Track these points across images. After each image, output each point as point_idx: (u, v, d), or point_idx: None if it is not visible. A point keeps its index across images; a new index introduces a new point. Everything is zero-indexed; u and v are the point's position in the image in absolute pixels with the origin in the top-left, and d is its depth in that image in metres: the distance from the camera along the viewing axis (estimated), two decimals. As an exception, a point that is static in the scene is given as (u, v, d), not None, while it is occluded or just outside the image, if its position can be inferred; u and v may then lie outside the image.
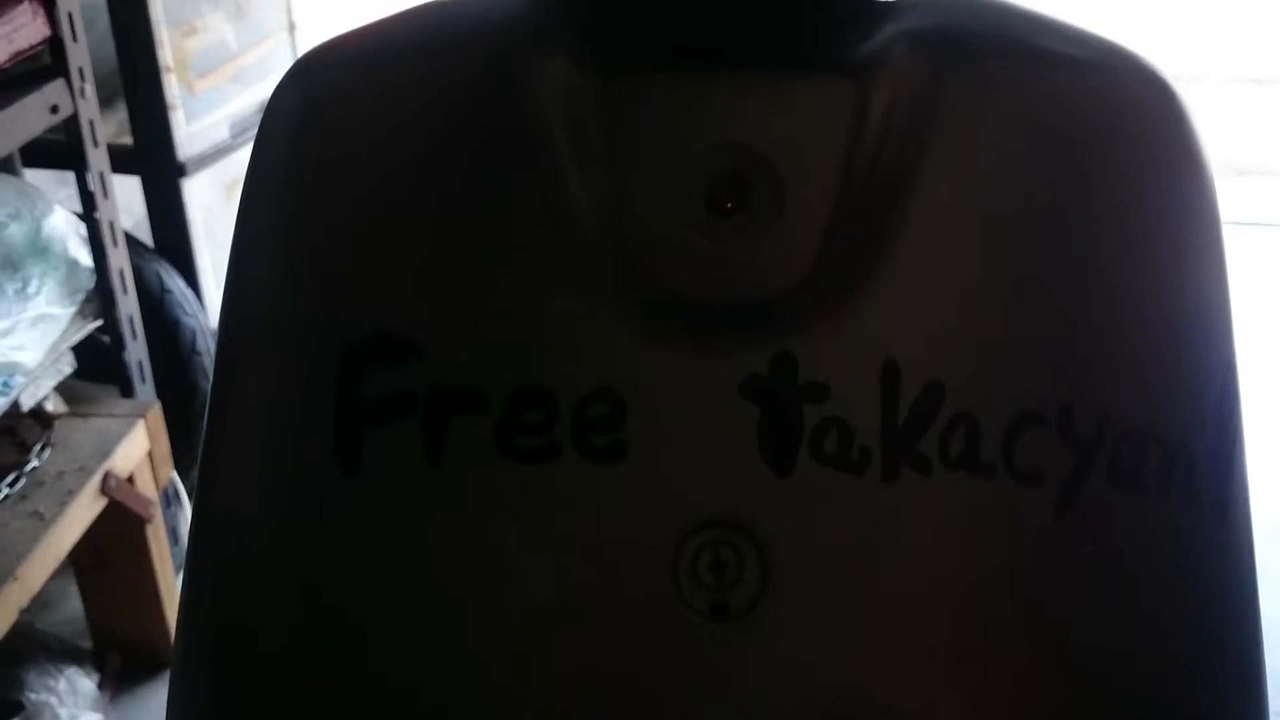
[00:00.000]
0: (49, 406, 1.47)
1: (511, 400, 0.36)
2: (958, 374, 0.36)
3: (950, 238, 0.36)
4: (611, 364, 0.36)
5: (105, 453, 1.43)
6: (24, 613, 1.31)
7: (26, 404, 1.41)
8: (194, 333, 1.75)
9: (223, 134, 1.83)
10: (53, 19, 1.37)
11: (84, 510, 1.39)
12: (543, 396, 0.36)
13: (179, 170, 1.76)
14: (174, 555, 1.60)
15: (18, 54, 1.33)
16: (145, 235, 1.81)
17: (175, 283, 1.75)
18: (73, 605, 1.65)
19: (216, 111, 1.82)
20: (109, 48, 1.71)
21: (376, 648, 0.36)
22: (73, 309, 1.45)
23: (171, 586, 1.58)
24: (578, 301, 0.36)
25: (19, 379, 1.37)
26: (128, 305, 1.52)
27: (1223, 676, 0.38)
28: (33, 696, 1.49)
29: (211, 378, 0.41)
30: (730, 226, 0.36)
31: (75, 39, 1.40)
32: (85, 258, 1.47)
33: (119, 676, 1.60)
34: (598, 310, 0.36)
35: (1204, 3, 3.74)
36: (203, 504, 0.40)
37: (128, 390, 1.55)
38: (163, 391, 1.60)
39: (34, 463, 1.40)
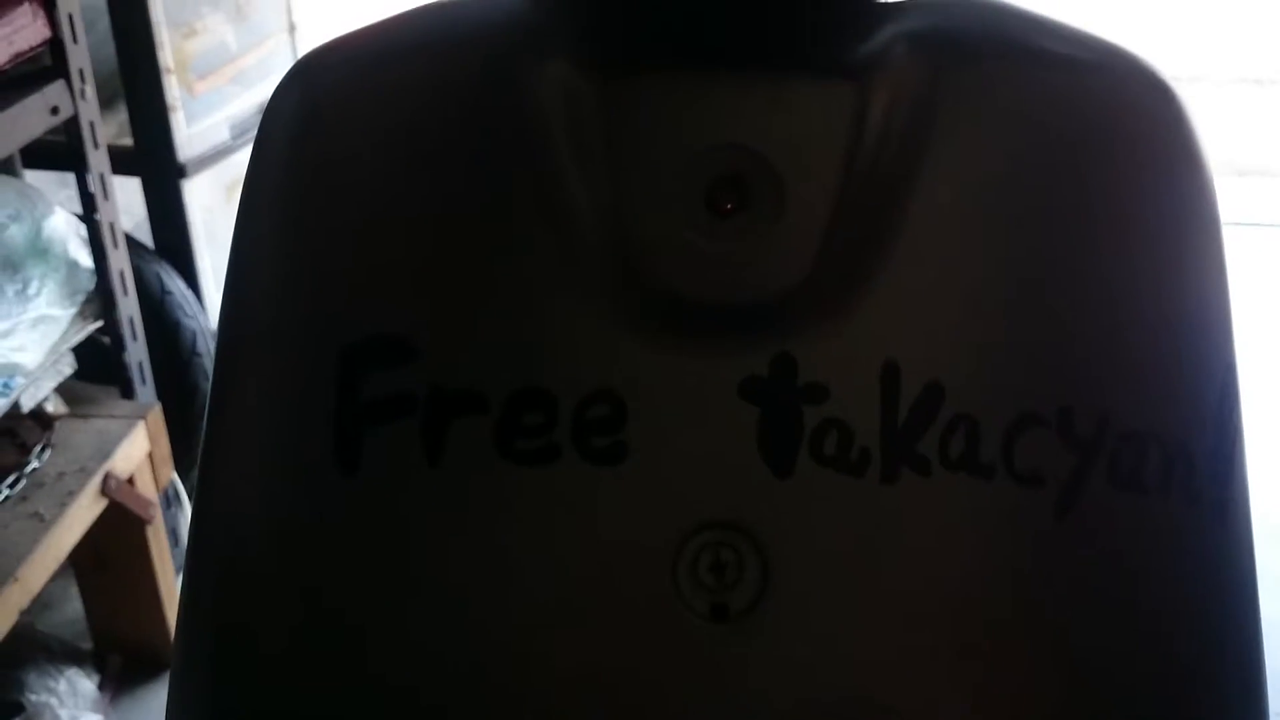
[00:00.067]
0: (49, 408, 1.47)
1: (511, 401, 0.36)
2: (957, 375, 0.36)
3: (950, 238, 0.36)
4: (611, 365, 0.36)
5: (105, 454, 1.43)
6: (24, 614, 1.31)
7: (27, 405, 1.41)
8: (194, 334, 1.75)
9: (223, 135, 1.83)
10: (53, 20, 1.37)
11: (84, 511, 1.39)
12: (543, 398, 0.36)
13: (179, 171, 1.76)
14: (174, 556, 1.60)
15: (18, 55, 1.33)
16: (145, 236, 1.81)
17: (175, 284, 1.76)
18: (73, 606, 1.65)
19: (217, 113, 1.82)
20: (109, 49, 1.71)
21: (376, 648, 0.36)
22: (73, 310, 1.45)
23: (172, 587, 1.58)
24: (578, 302, 0.36)
25: (19, 380, 1.37)
26: (128, 306, 1.52)
27: (1223, 677, 0.38)
28: (33, 698, 1.49)
29: (211, 379, 0.41)
30: (730, 227, 0.36)
31: (75, 40, 1.40)
32: (85, 259, 1.47)
33: (119, 678, 1.60)
34: (598, 311, 0.36)
35: (1204, 3, 3.74)
36: (202, 505, 0.40)
37: (128, 391, 1.55)
38: (163, 393, 1.60)
39: (34, 464, 1.40)
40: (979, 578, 0.36)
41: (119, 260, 1.50)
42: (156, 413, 1.53)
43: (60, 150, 1.46)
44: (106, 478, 1.41)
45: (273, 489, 0.38)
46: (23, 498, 1.37)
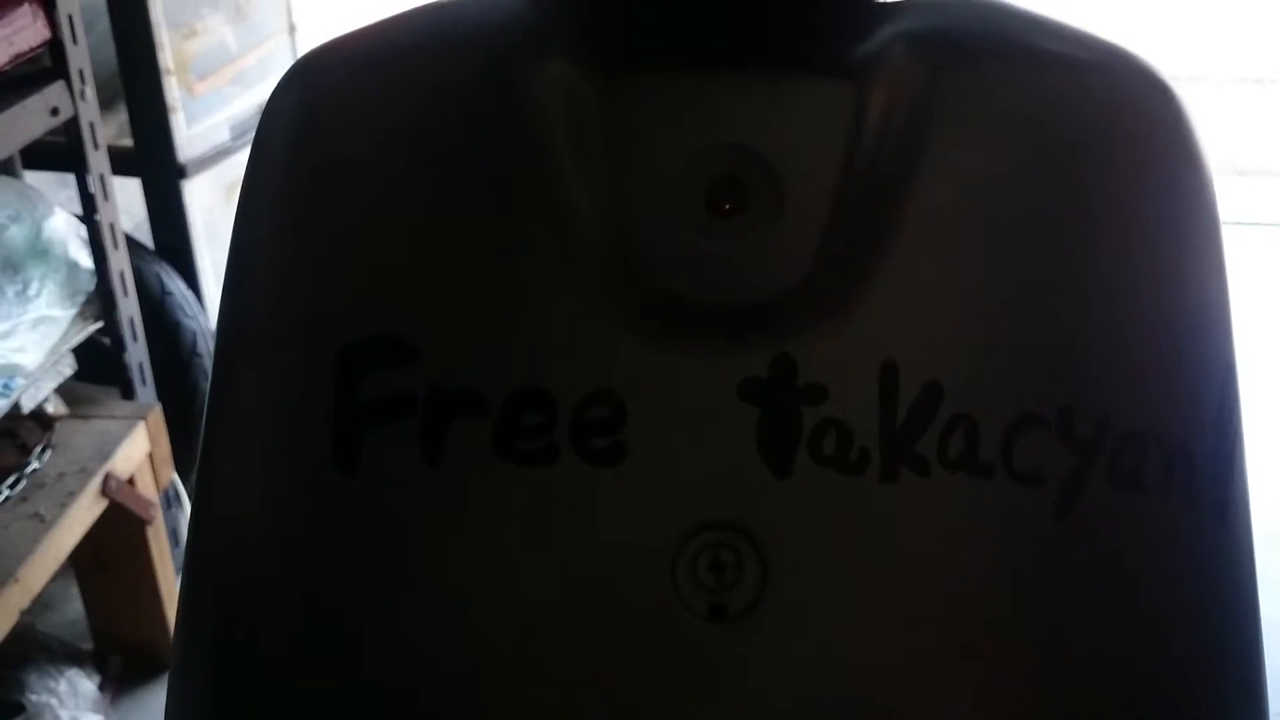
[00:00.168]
0: (49, 408, 1.47)
1: (510, 402, 0.36)
2: (957, 375, 0.36)
3: (949, 238, 0.36)
4: (611, 365, 0.36)
5: (106, 454, 1.43)
6: (25, 614, 1.31)
7: (27, 406, 1.41)
8: (194, 334, 1.75)
9: (223, 136, 1.83)
10: (53, 21, 1.37)
11: (85, 512, 1.39)
12: (542, 398, 0.36)
13: (179, 172, 1.77)
14: (175, 557, 1.60)
15: (18, 56, 1.33)
16: (146, 237, 1.81)
17: (176, 284, 1.76)
18: (73, 607, 1.65)
19: (217, 113, 1.82)
20: (109, 50, 1.71)
21: (375, 648, 0.36)
22: (73, 311, 1.45)
23: (172, 588, 1.58)
24: (577, 303, 0.36)
25: (19, 381, 1.37)
26: (128, 307, 1.52)
27: (1223, 677, 0.38)
28: (34, 698, 1.49)
29: (210, 379, 0.41)
30: (729, 227, 0.36)
31: (75, 41, 1.40)
32: (86, 260, 1.47)
33: (120, 678, 1.60)
34: (597, 312, 0.36)
35: (1204, 3, 3.74)
36: (201, 505, 0.40)
37: (128, 392, 1.55)
38: (163, 393, 1.60)
39: (34, 464, 1.40)
40: (978, 578, 0.36)
41: (119, 261, 1.50)
42: (157, 413, 1.53)
43: (60, 151, 1.46)
44: (107, 478, 1.41)
45: (272, 489, 0.38)
46: (23, 498, 1.37)
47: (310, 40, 1.97)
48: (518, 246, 0.37)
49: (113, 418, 1.49)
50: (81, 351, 1.47)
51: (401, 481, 0.36)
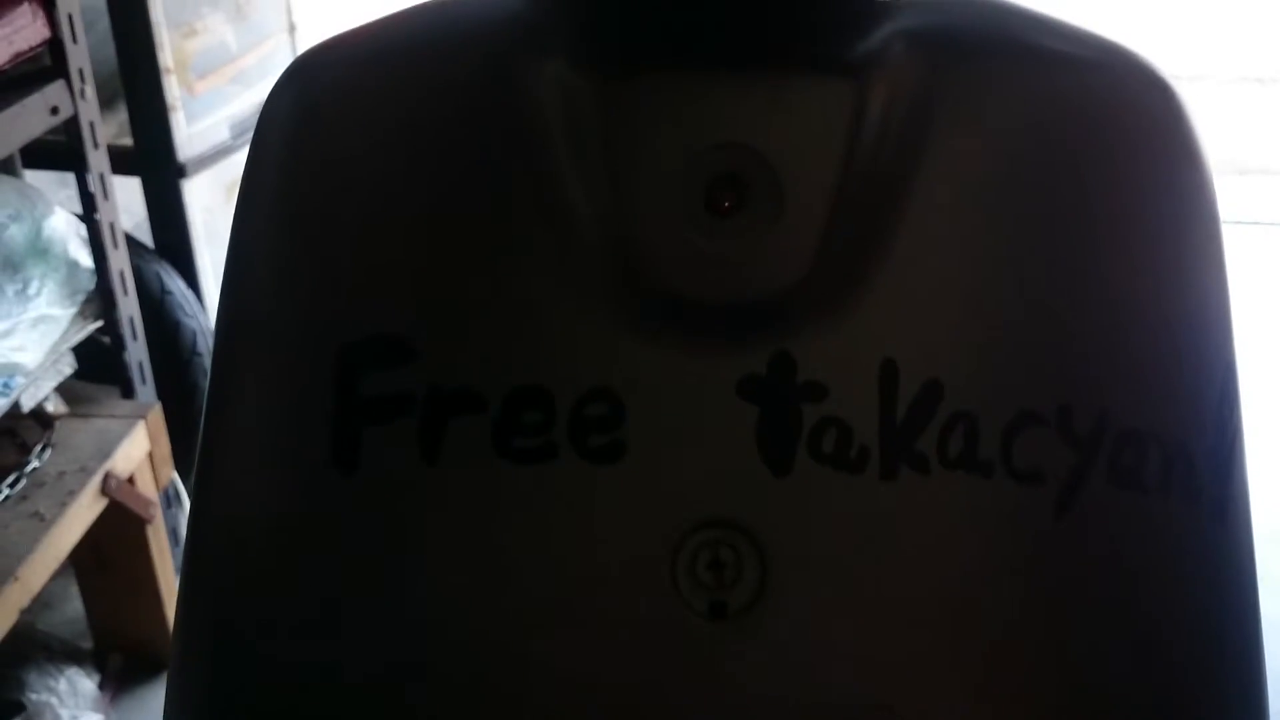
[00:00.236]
0: (49, 407, 1.47)
1: (509, 400, 0.36)
2: (956, 373, 0.36)
3: (948, 237, 0.36)
4: (609, 364, 0.36)
5: (106, 453, 1.43)
6: (25, 613, 1.31)
7: (27, 405, 1.41)
8: (194, 334, 1.75)
9: (223, 135, 1.83)
10: (53, 20, 1.37)
11: (84, 511, 1.39)
12: (540, 396, 0.36)
13: (179, 171, 1.76)
14: (174, 556, 1.60)
15: (18, 55, 1.33)
16: (145, 236, 1.81)
17: (176, 284, 1.76)
18: (73, 606, 1.65)
19: (216, 113, 1.82)
20: (109, 49, 1.71)
21: (374, 647, 0.36)
22: (73, 310, 1.45)
23: (172, 587, 1.58)
24: (576, 301, 0.36)
25: (19, 380, 1.37)
26: (128, 306, 1.52)
27: (1223, 676, 0.38)
28: (34, 697, 1.49)
29: (209, 377, 0.41)
30: (729, 226, 0.36)
31: (75, 40, 1.40)
32: (85, 259, 1.47)
33: (120, 677, 1.60)
34: (596, 310, 0.36)
35: (1205, 2, 3.74)
36: (200, 503, 0.40)
37: (128, 391, 1.55)
38: (163, 392, 1.60)
39: (34, 463, 1.40)
40: (978, 576, 0.36)
41: (119, 260, 1.50)
42: (157, 412, 1.53)
43: (60, 150, 1.46)
44: (107, 477, 1.41)
45: (271, 488, 0.38)
46: (23, 497, 1.37)
47: (310, 39, 1.97)
48: (516, 245, 0.36)
49: (113, 417, 1.49)
50: (81, 350, 1.47)
51: (400, 480, 0.36)
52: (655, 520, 0.36)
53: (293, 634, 0.37)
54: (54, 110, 1.38)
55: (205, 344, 1.75)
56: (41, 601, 1.56)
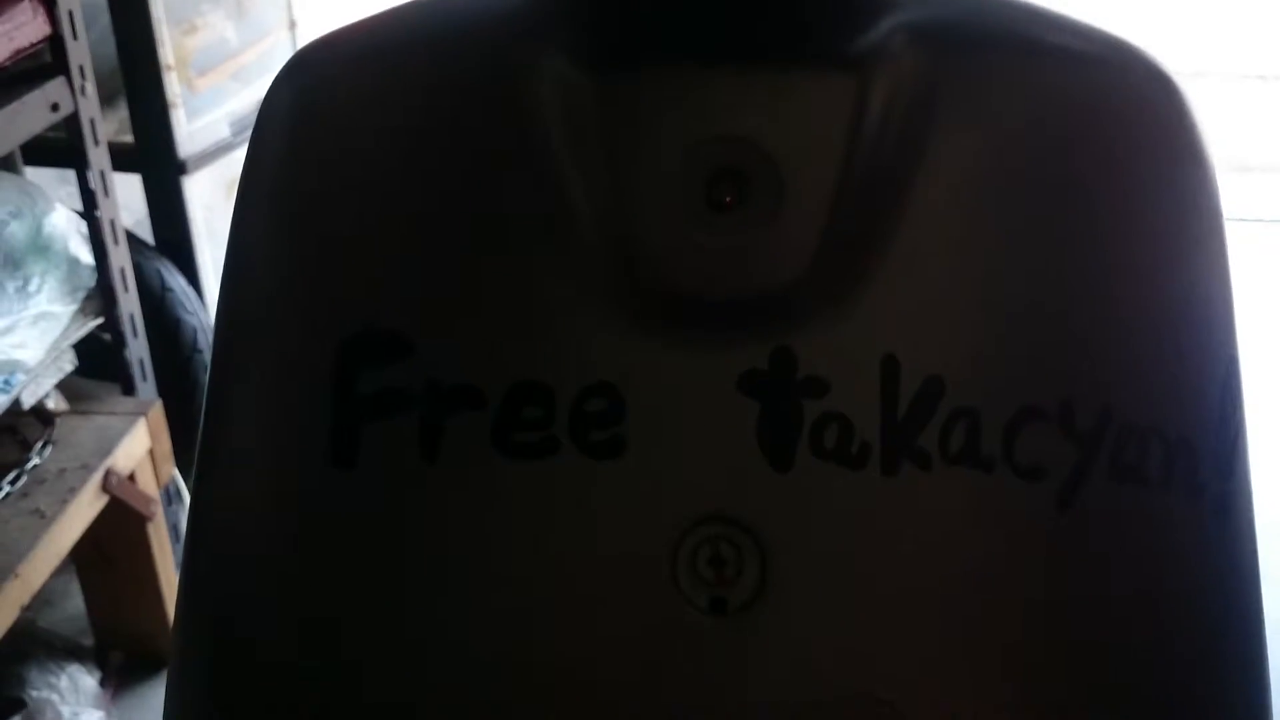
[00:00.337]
0: (50, 404, 1.47)
1: (509, 396, 0.36)
2: (958, 368, 0.36)
3: (950, 231, 0.36)
4: (609, 359, 0.36)
5: (106, 450, 1.43)
6: (26, 610, 1.31)
7: (28, 402, 1.41)
8: (195, 331, 1.75)
9: (223, 132, 1.83)
10: (53, 17, 1.36)
11: (85, 508, 1.39)
12: (541, 392, 0.36)
13: (180, 168, 1.76)
14: (175, 553, 1.60)
15: (18, 52, 1.33)
16: (146, 233, 1.81)
17: (176, 280, 1.75)
18: (74, 603, 1.65)
19: (217, 109, 1.82)
20: (109, 46, 1.71)
21: (373, 643, 0.36)
22: (74, 307, 1.45)
23: (173, 584, 1.58)
24: (576, 297, 0.36)
25: (20, 377, 1.37)
26: (129, 303, 1.52)
27: (1225, 672, 0.38)
28: (35, 694, 1.49)
29: (208, 374, 0.40)
30: (729, 221, 0.36)
31: (75, 37, 1.40)
32: (86, 256, 1.47)
33: (121, 674, 1.61)
34: (596, 305, 0.36)
35: (1207, -1, 3.74)
36: (200, 500, 0.40)
37: (129, 388, 1.55)
38: (164, 389, 1.60)
39: (35, 460, 1.40)
40: (979, 571, 0.36)
41: (120, 257, 1.50)
42: (157, 409, 1.53)
43: (61, 147, 1.46)
44: (107, 474, 1.41)
45: (270, 484, 0.38)
46: (24, 494, 1.37)
47: (310, 36, 1.96)
48: (516, 240, 0.36)
49: (113, 414, 1.49)
50: (82, 347, 1.47)
51: (400, 476, 0.36)
52: (656, 516, 0.35)
53: (292, 631, 0.37)
54: (54, 107, 1.38)
55: (206, 341, 1.75)
56: (42, 598, 1.56)
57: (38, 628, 1.61)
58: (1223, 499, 0.38)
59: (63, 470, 1.40)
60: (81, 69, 1.41)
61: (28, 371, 1.38)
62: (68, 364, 1.46)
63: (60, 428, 1.45)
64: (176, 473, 1.60)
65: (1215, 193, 0.39)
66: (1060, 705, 0.36)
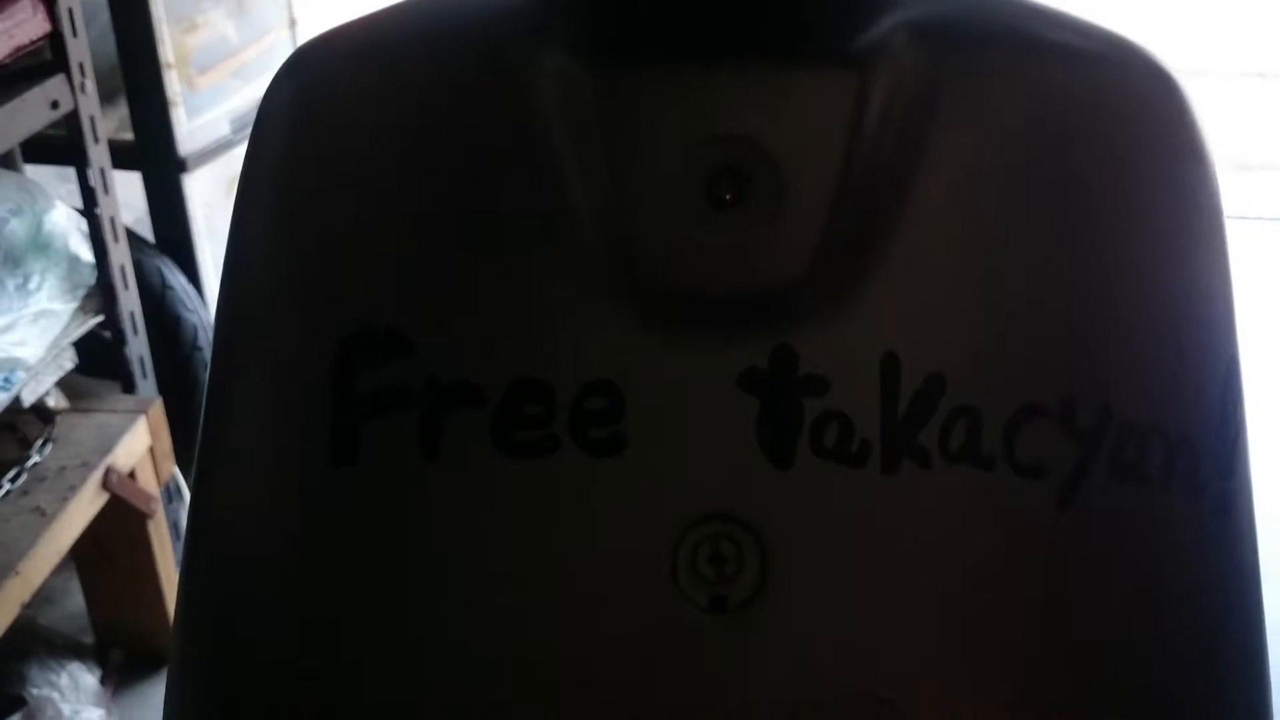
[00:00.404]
0: (50, 402, 1.47)
1: (509, 393, 0.36)
2: (959, 366, 0.36)
3: (951, 229, 0.36)
4: (610, 357, 0.36)
5: (107, 448, 1.43)
6: (26, 608, 1.31)
7: (28, 400, 1.41)
8: (195, 328, 1.75)
9: (223, 130, 1.83)
10: (53, 14, 1.36)
11: (86, 506, 1.39)
12: (541, 390, 0.36)
13: (180, 166, 1.76)
14: (176, 550, 1.60)
15: (18, 49, 1.33)
16: (146, 231, 1.81)
17: (176, 278, 1.75)
18: (75, 600, 1.65)
19: (217, 107, 1.82)
20: (110, 44, 1.71)
21: (373, 642, 0.36)
22: (74, 305, 1.45)
23: (173, 581, 1.58)
24: (576, 294, 0.36)
25: (20, 375, 1.37)
26: (129, 301, 1.52)
27: (1226, 670, 0.38)
28: (35, 691, 1.49)
29: (208, 371, 0.40)
30: (729, 219, 0.36)
31: (75, 34, 1.40)
32: (86, 253, 1.47)
33: (121, 671, 1.61)
34: (596, 303, 0.36)
35: (1207, -4, 3.73)
36: (200, 499, 0.40)
37: (129, 386, 1.55)
38: (164, 387, 1.60)
39: (35, 458, 1.40)
40: (980, 569, 0.36)
41: (120, 255, 1.50)
42: (158, 407, 1.53)
43: (61, 145, 1.46)
44: (108, 472, 1.41)
45: (269, 482, 0.38)
46: (24, 492, 1.37)
47: (310, 34, 1.96)
48: (515, 238, 0.36)
49: (114, 411, 1.49)
50: (82, 345, 1.47)
51: (400, 474, 0.36)
52: (656, 514, 0.35)
53: (292, 630, 0.37)
54: (54, 104, 1.38)
55: (206, 339, 1.75)
56: (43, 596, 1.56)
57: (38, 625, 1.61)
58: (1223, 498, 0.38)
59: (63, 468, 1.40)
60: (81, 66, 1.41)
61: (28, 369, 1.38)
62: (68, 362, 1.46)
63: (60, 425, 1.45)
64: (177, 470, 1.60)
65: (1216, 190, 0.39)
66: (1060, 704, 0.36)
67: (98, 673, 1.58)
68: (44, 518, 1.33)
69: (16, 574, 1.27)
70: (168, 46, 1.72)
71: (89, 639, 1.63)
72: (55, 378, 1.45)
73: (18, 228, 1.38)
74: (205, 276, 1.83)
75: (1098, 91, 0.38)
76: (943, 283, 0.36)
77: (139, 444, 1.48)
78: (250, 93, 1.87)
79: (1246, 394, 0.40)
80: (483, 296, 0.36)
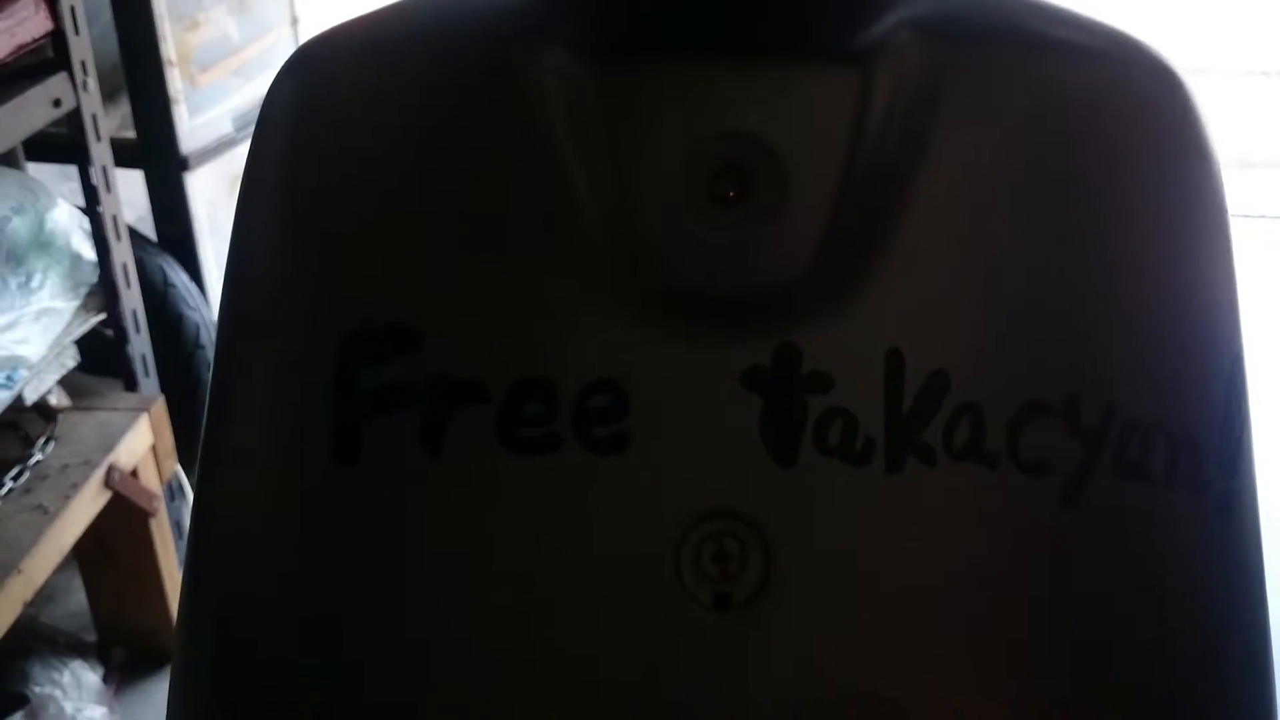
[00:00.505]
0: (52, 400, 1.47)
1: (512, 391, 0.36)
2: (963, 364, 0.36)
3: (954, 226, 0.36)
4: (613, 355, 0.36)
5: (109, 446, 1.43)
6: (28, 606, 1.31)
7: (30, 398, 1.42)
8: (197, 326, 1.75)
9: (225, 128, 1.83)
10: (55, 13, 1.36)
11: (88, 504, 1.39)
12: (544, 387, 0.36)
13: (182, 164, 1.76)
14: (178, 549, 1.60)
15: (20, 47, 1.33)
16: (148, 229, 1.81)
17: (178, 276, 1.75)
18: (77, 599, 1.65)
19: (219, 105, 1.82)
20: (111, 42, 1.71)
21: (375, 641, 0.36)
22: (76, 303, 1.45)
23: (176, 580, 1.59)
24: (579, 292, 0.36)
25: (22, 373, 1.37)
26: (131, 299, 1.52)
27: (1230, 669, 0.38)
28: (37, 690, 1.50)
29: (211, 370, 0.40)
30: (733, 217, 0.36)
31: (77, 33, 1.40)
32: (88, 252, 1.47)
33: (123, 670, 1.61)
34: (599, 301, 0.36)
35: (1210, -6, 3.73)
36: (203, 497, 0.40)
37: (131, 384, 1.55)
38: (166, 385, 1.60)
39: (38, 456, 1.40)
40: (983, 567, 0.36)
41: (122, 253, 1.50)
42: (160, 405, 1.53)
43: (63, 143, 1.46)
44: (110, 470, 1.42)
45: (272, 481, 0.38)
46: (26, 490, 1.37)
47: (313, 31, 1.96)
48: (519, 236, 0.36)
49: (116, 410, 1.50)
50: (84, 343, 1.47)
51: (403, 472, 0.36)
52: (659, 512, 0.35)
53: (295, 628, 0.37)
54: (56, 103, 1.38)
55: (208, 337, 1.75)
56: (45, 594, 1.56)
57: (40, 623, 1.61)
58: (1227, 496, 0.38)
59: (65, 466, 1.40)
60: (83, 64, 1.41)
61: (30, 367, 1.38)
62: (70, 360, 1.46)
63: (63, 424, 1.46)
64: (179, 468, 1.60)
65: (1219, 188, 0.39)
66: (1063, 703, 0.36)
67: (100, 671, 1.58)
68: (46, 516, 1.34)
69: (19, 572, 1.27)
70: (169, 44, 1.72)
71: (91, 637, 1.63)
72: (57, 376, 1.45)
73: (20, 226, 1.38)
74: (207, 274, 1.83)
75: (1101, 88, 0.38)
76: (946, 280, 0.36)
77: (141, 442, 1.48)
78: (252, 91, 1.87)
79: (1250, 392, 0.40)
80: (485, 295, 0.36)
